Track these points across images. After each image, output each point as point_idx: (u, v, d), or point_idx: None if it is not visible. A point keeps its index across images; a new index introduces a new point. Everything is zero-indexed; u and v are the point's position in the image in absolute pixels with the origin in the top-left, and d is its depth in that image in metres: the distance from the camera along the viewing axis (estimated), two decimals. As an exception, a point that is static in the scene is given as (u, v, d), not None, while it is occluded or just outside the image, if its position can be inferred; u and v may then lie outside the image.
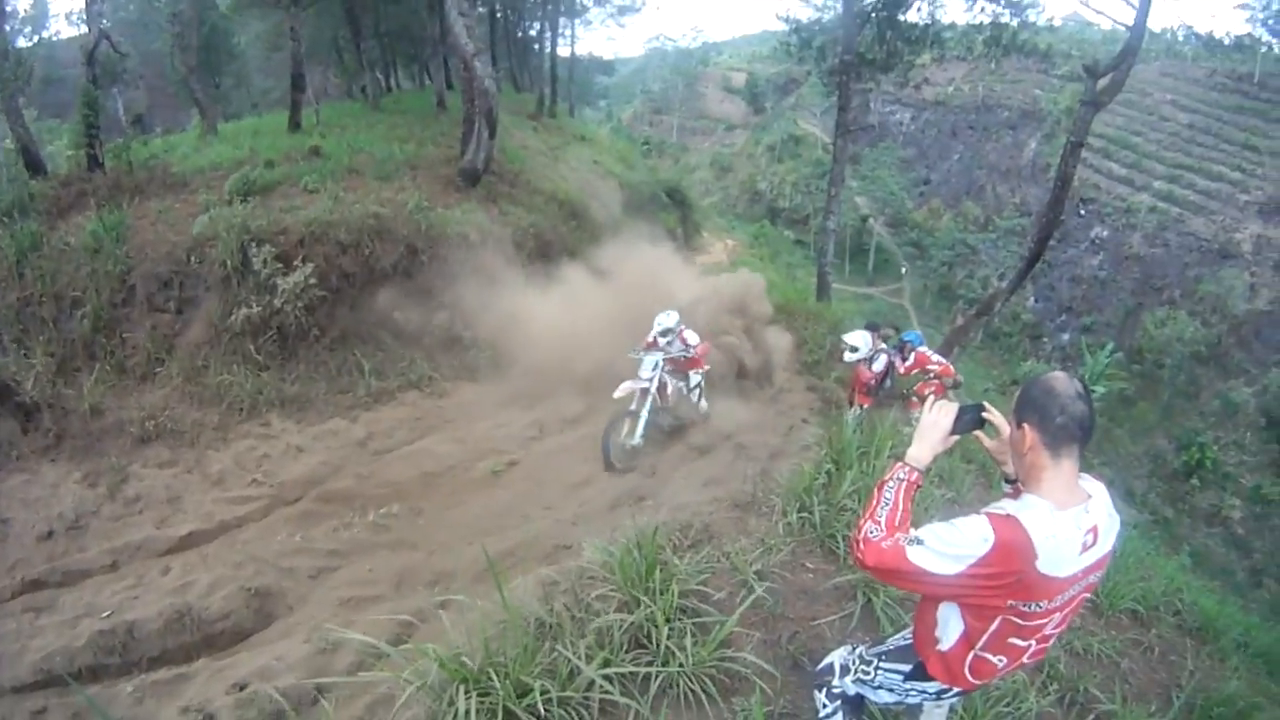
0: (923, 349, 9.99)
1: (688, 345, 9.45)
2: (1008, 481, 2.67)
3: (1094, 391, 14.97)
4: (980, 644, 2.40)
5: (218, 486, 8.29)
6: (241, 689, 5.26)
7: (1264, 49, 31.77)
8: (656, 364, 9.02)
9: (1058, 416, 2.20)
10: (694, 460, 9.05)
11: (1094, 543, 2.25)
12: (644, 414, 8.91)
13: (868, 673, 2.84)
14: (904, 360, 9.90)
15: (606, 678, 3.41)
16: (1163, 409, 25.55)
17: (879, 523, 2.33)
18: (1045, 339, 26.43)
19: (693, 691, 3.59)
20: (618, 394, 8.79)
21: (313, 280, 10.80)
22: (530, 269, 13.71)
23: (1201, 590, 7.22)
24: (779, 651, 4.04)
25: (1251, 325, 25.73)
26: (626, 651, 3.68)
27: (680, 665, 3.61)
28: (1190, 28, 39.30)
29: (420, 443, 9.74)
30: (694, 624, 3.88)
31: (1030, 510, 2.19)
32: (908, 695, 2.80)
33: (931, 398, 2.65)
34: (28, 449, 8.48)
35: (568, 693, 3.36)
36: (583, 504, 7.98)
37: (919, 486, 2.43)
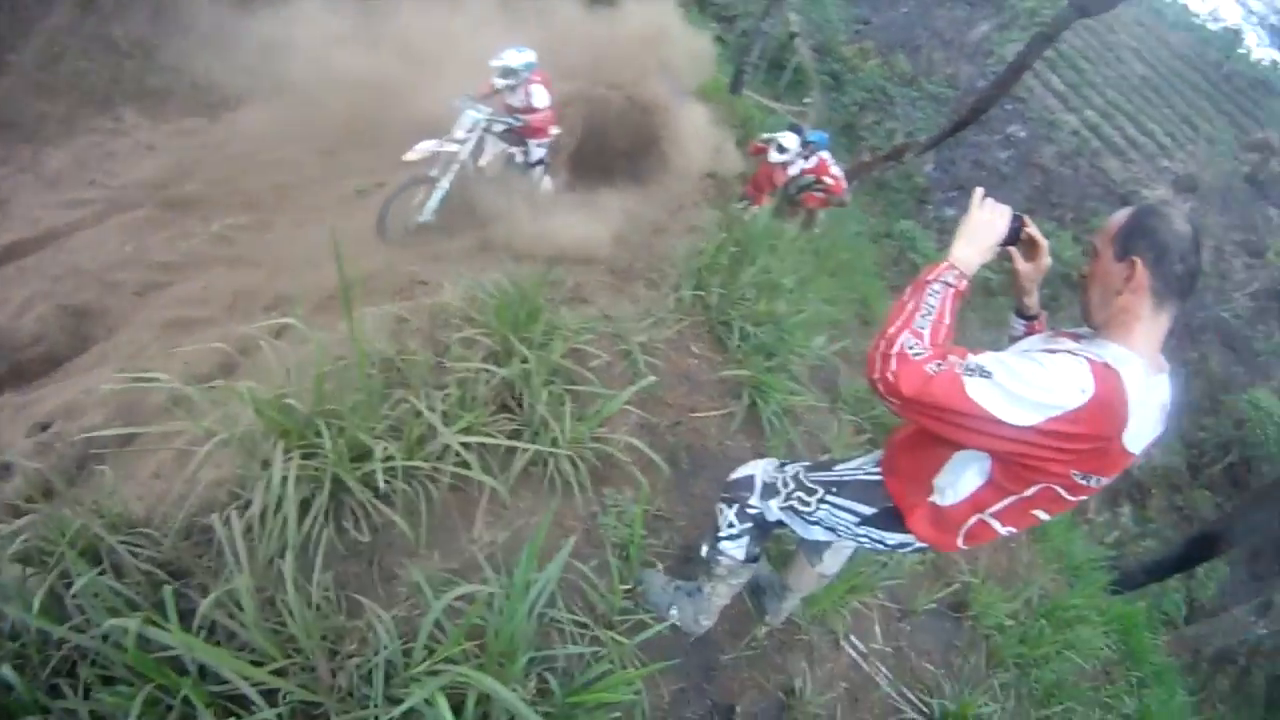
0: (826, 154, 9.52)
1: (530, 104, 7.20)
2: (1023, 317, 2.25)
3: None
4: (995, 508, 1.95)
5: (51, 189, 7.12)
6: (44, 429, 4.59)
7: (1243, 50, 32.01)
8: (477, 123, 6.90)
9: (1177, 263, 1.73)
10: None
11: (1160, 423, 1.81)
12: (443, 184, 6.91)
13: (806, 503, 2.34)
14: (805, 160, 9.41)
15: (466, 446, 2.82)
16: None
17: (920, 335, 1.78)
18: (930, 206, 26.61)
19: (560, 473, 3.06)
20: (410, 155, 6.71)
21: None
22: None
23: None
24: (656, 440, 3.56)
25: (1128, 274, 27.04)
26: (492, 415, 3.08)
27: (554, 440, 3.04)
28: (1182, -8, 39.22)
29: (283, 151, 8.46)
30: (568, 390, 3.31)
31: (1127, 366, 1.69)
32: (853, 538, 2.34)
33: (980, 191, 2.02)
34: None
35: (415, 461, 2.75)
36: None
37: (965, 299, 1.88)
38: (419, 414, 2.85)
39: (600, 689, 2.38)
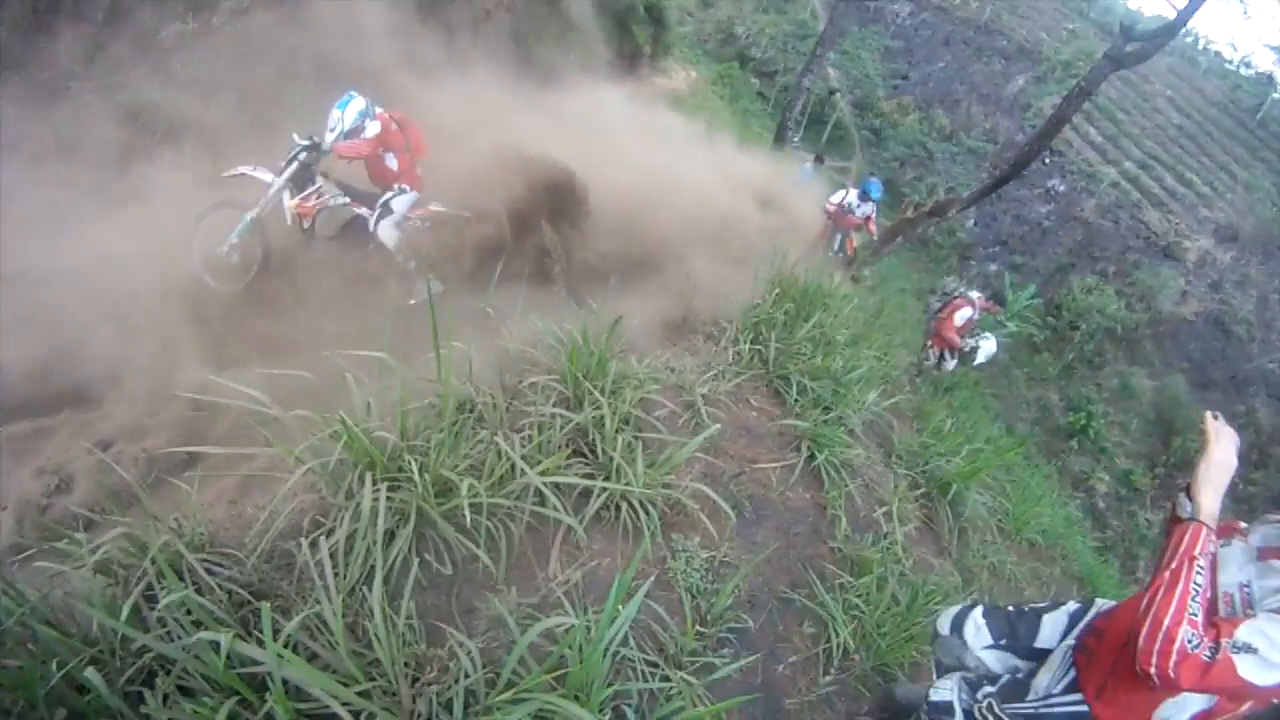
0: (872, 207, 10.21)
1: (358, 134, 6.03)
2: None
3: (1005, 327, 15.27)
4: None
5: (114, 214, 7.08)
6: (105, 448, 4.70)
7: (1277, 95, 31.95)
8: (292, 150, 6.05)
9: None
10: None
11: None
12: (248, 215, 6.01)
13: None
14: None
15: (544, 486, 2.92)
16: (1064, 367, 26.48)
17: (1196, 625, 1.79)
18: (973, 262, 26.52)
19: (632, 517, 3.14)
20: (228, 172, 6.08)
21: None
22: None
23: (1084, 543, 7.37)
24: (721, 490, 3.63)
25: (1171, 326, 26.45)
26: (567, 459, 3.18)
27: (628, 483, 3.13)
28: (1211, 41, 39.11)
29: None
30: (637, 437, 3.42)
31: None
32: None
33: (1213, 418, 2.10)
34: None
35: (497, 499, 2.86)
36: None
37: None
38: (500, 454, 2.95)
39: (672, 724, 2.42)
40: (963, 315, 9.15)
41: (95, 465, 4.49)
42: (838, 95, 24.37)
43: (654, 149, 10.15)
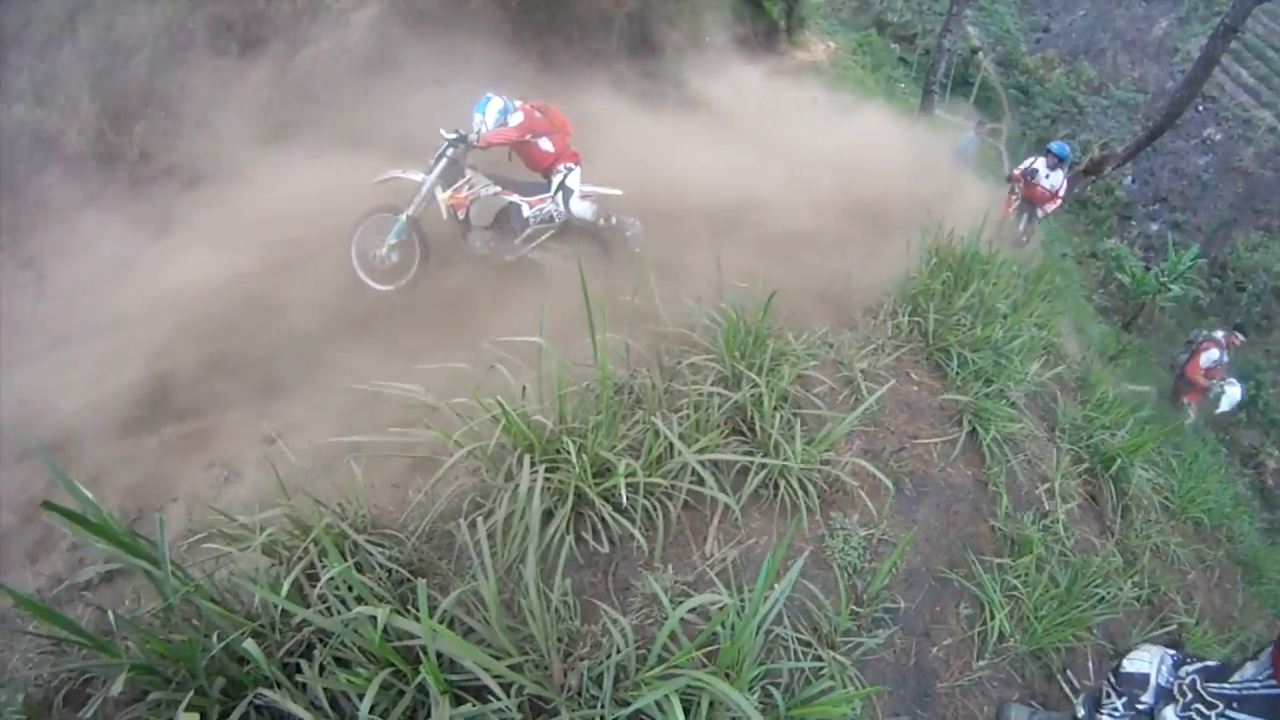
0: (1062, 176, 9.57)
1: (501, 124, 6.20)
2: None
3: (1169, 290, 14.42)
4: None
5: (271, 227, 7.48)
6: (272, 443, 4.83)
7: None
8: (440, 149, 6.19)
9: None
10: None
11: None
12: (403, 215, 6.27)
13: (1205, 715, 2.26)
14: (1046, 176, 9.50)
15: (702, 464, 2.89)
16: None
17: None
18: (1134, 222, 25.02)
19: (790, 494, 3.09)
20: (377, 178, 6.25)
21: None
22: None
23: (1251, 525, 6.90)
24: (881, 466, 3.53)
25: (1347, 284, 24.35)
26: (724, 438, 3.16)
27: (786, 460, 3.09)
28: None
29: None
30: (795, 415, 3.36)
31: None
32: None
33: None
34: (68, 201, 7.74)
35: (654, 478, 2.86)
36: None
37: None
38: (658, 434, 2.95)
39: (822, 704, 2.39)
40: (1209, 358, 8.74)
41: (262, 458, 4.69)
42: (980, 54, 23.40)
43: (802, 125, 9.99)
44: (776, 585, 2.51)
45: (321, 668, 2.25)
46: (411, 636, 2.14)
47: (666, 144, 8.75)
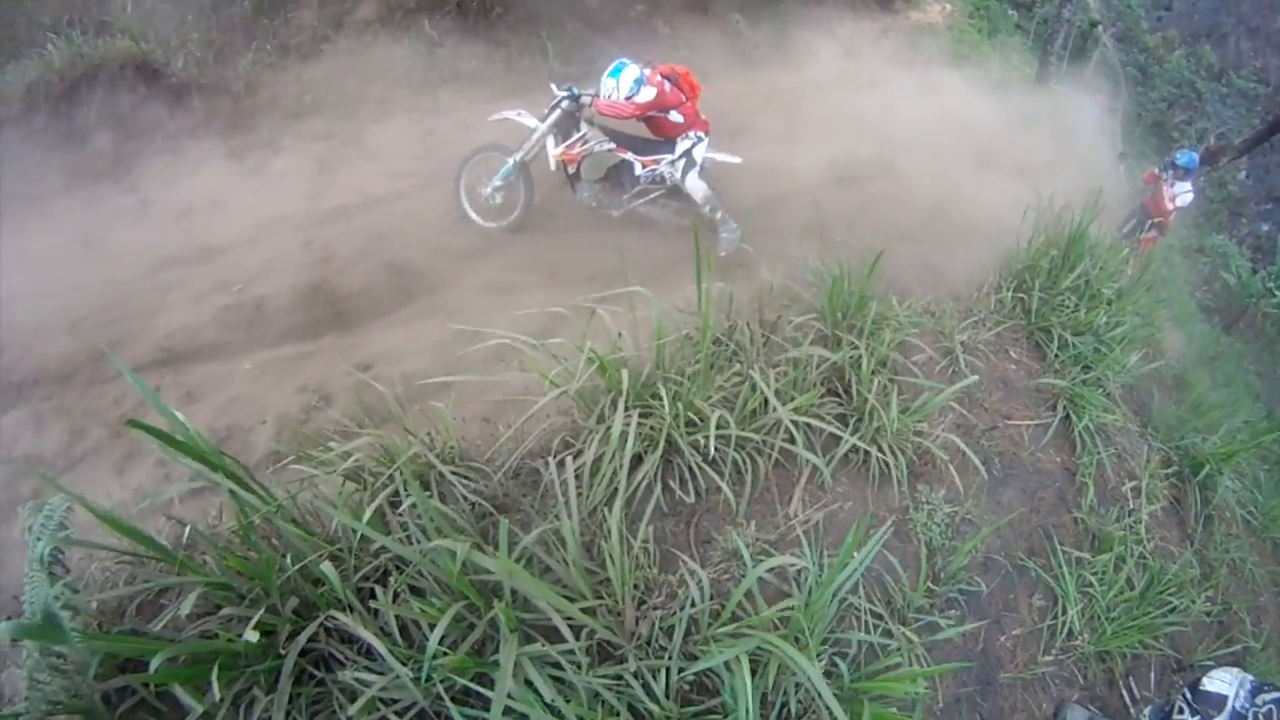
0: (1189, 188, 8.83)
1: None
2: None
3: (1274, 296, 13.78)
4: None
5: (374, 160, 7.60)
6: (365, 369, 4.95)
7: None
8: (561, 102, 6.09)
9: None
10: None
11: None
12: (511, 159, 6.17)
13: None
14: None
15: (794, 424, 2.86)
16: (1338, 347, 23.72)
17: None
18: (1244, 220, 23.88)
19: (883, 463, 3.05)
20: (493, 116, 6.19)
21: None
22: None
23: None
24: (972, 443, 3.47)
25: None
26: (820, 398, 3.13)
27: (878, 430, 3.05)
28: None
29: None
30: (892, 381, 3.30)
31: None
32: None
33: None
34: (174, 129, 7.78)
35: (746, 433, 2.84)
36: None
37: None
38: (754, 388, 2.92)
39: (888, 679, 2.37)
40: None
41: (354, 385, 4.70)
42: (1099, 28, 22.40)
43: (914, 86, 9.71)
44: (857, 554, 2.48)
45: (395, 595, 2.29)
46: (488, 571, 2.14)
47: (777, 99, 8.63)
